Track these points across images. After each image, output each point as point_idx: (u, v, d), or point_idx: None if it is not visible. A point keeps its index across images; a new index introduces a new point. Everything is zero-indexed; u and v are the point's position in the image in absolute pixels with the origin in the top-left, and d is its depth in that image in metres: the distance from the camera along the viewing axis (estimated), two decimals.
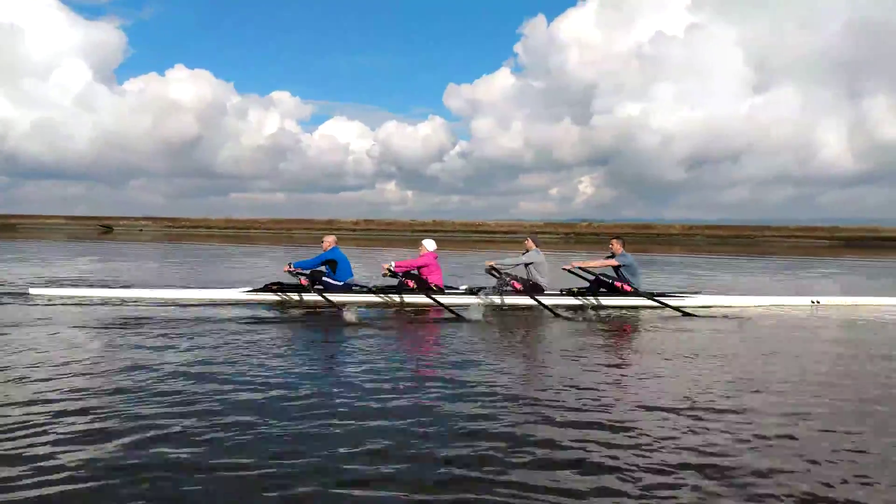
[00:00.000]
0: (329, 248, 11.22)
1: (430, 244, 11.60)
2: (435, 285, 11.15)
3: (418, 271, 11.23)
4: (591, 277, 11.51)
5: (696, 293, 11.92)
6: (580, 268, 11.58)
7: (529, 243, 11.49)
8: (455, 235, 66.93)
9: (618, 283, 11.26)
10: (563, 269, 11.50)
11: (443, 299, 10.76)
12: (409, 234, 66.47)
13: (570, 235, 68.29)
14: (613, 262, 11.39)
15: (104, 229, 74.78)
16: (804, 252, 42.75)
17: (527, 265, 11.31)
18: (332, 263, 11.16)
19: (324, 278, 11.08)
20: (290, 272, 11.01)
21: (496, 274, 11.16)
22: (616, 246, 11.56)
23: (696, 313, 10.57)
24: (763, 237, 65.42)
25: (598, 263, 11.58)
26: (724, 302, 11.55)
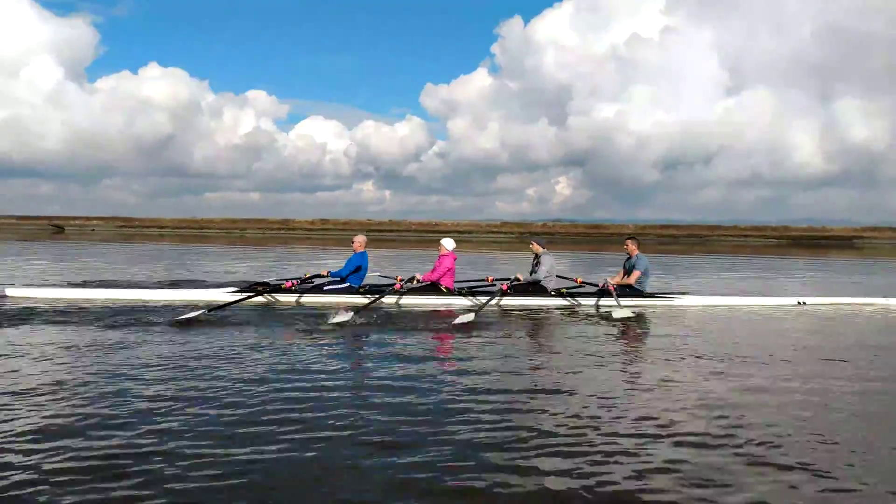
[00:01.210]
0: (360, 249, 10.91)
1: (449, 244, 11.13)
2: (446, 287, 10.78)
3: (440, 279, 10.86)
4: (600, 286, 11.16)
5: (684, 294, 11.87)
6: (617, 284, 11.14)
7: (537, 247, 11.16)
8: (411, 235, 65.56)
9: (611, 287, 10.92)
10: (605, 286, 11.03)
11: (442, 300, 10.62)
12: (364, 233, 64.68)
13: (524, 235, 67.28)
14: (637, 273, 11.08)
15: (56, 229, 72.31)
16: (752, 251, 43.06)
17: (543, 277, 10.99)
18: (356, 267, 10.83)
19: (326, 287, 10.77)
20: (328, 278, 10.86)
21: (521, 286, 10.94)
22: (632, 247, 11.28)
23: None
24: (714, 236, 65.46)
25: (629, 280, 11.13)
26: (711, 302, 11.55)
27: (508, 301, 10.76)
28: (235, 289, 10.77)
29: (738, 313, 10.72)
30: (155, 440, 4.12)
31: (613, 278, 11.34)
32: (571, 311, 10.44)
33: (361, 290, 10.65)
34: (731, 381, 6.00)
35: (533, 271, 11.18)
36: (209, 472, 3.68)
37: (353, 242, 10.98)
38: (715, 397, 5.40)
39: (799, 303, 11.66)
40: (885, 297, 12.10)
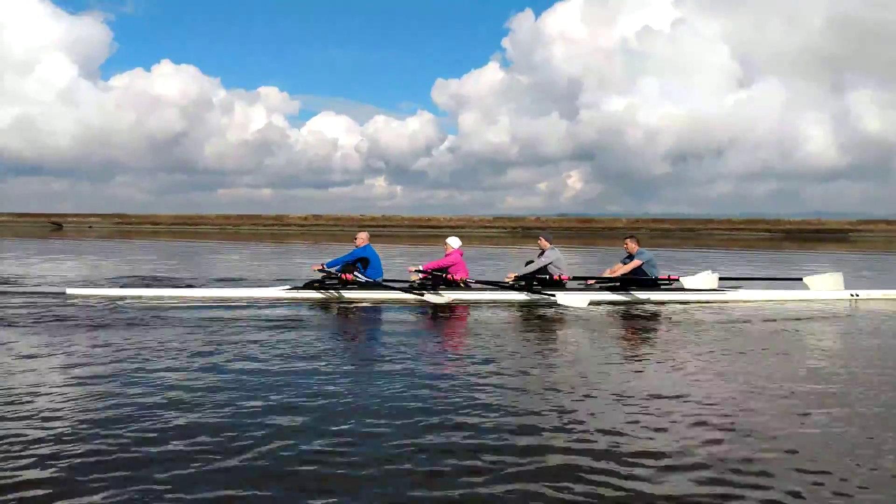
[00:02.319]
0: (362, 244, 11.04)
1: (454, 241, 11.38)
2: (463, 280, 11.02)
3: (446, 270, 11.04)
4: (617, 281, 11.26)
5: (737, 288, 11.69)
6: (608, 277, 11.31)
7: (544, 242, 11.25)
8: (402, 230, 64.24)
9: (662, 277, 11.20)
10: (592, 280, 11.40)
11: (470, 295, 10.88)
12: (355, 229, 63.53)
13: (517, 230, 65.95)
14: (637, 262, 11.13)
15: (54, 226, 71.47)
16: (743, 244, 42.20)
17: (546, 266, 11.09)
18: (364, 261, 10.92)
19: (355, 275, 10.89)
20: (320, 271, 10.82)
21: (521, 283, 11.07)
22: (631, 245, 11.33)
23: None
24: (706, 230, 63.86)
25: (625, 269, 11.19)
26: (765, 297, 11.32)
27: (520, 296, 10.90)
28: (289, 286, 10.95)
29: (800, 307, 10.51)
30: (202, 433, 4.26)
31: (607, 271, 11.45)
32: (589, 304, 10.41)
33: (406, 287, 10.88)
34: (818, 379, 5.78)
35: (529, 262, 11.34)
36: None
37: (355, 239, 11.14)
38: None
39: (852, 295, 11.35)
40: None
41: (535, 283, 10.97)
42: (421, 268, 10.99)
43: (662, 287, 11.19)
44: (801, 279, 11.65)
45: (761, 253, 30.74)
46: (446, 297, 10.73)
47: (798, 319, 9.65)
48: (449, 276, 11.00)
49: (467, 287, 11.00)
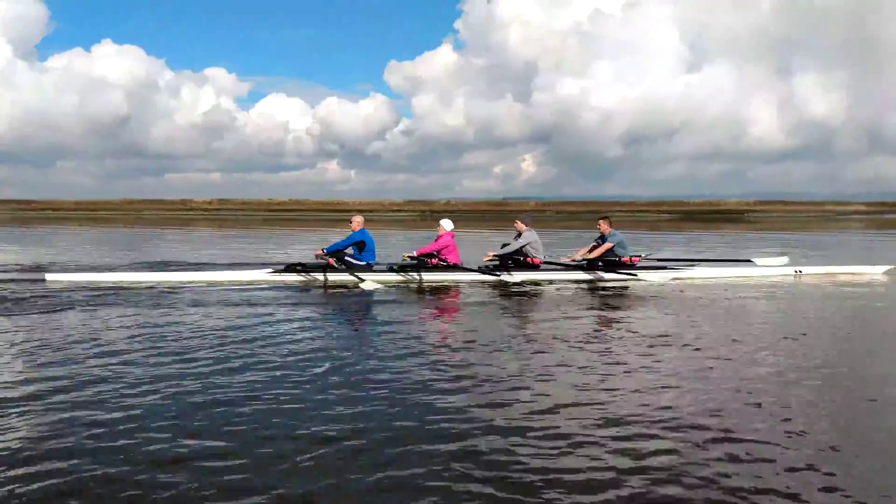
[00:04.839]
0: (358, 228, 10.72)
1: (447, 224, 11.16)
2: (453, 264, 10.84)
3: (438, 253, 10.77)
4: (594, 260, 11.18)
5: (692, 265, 11.74)
6: (583, 259, 11.09)
7: (521, 225, 11.18)
8: (309, 214, 60.33)
9: (624, 259, 11.09)
10: (573, 260, 11.17)
11: (461, 275, 10.63)
12: (263, 213, 59.41)
13: (426, 213, 62.99)
14: (609, 245, 11.09)
15: None
16: (647, 226, 40.68)
17: (522, 247, 10.99)
18: (360, 244, 10.62)
19: (346, 258, 10.56)
20: (321, 256, 10.48)
21: (496, 262, 10.92)
22: (604, 226, 11.23)
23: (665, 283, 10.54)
24: (610, 212, 62.19)
25: (599, 252, 11.09)
26: (717, 273, 11.40)
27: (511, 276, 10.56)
28: (272, 269, 10.62)
29: (748, 284, 10.53)
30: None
31: (580, 251, 11.34)
32: (572, 283, 10.51)
33: (395, 268, 10.67)
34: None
35: (505, 245, 11.27)
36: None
37: (350, 222, 10.83)
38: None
39: (796, 272, 11.64)
40: (871, 265, 12.18)
41: (509, 263, 10.79)
42: (414, 254, 10.72)
43: (626, 267, 10.97)
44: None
45: (673, 234, 28.67)
46: (429, 277, 10.55)
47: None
48: (443, 257, 10.76)
49: (457, 269, 10.80)
